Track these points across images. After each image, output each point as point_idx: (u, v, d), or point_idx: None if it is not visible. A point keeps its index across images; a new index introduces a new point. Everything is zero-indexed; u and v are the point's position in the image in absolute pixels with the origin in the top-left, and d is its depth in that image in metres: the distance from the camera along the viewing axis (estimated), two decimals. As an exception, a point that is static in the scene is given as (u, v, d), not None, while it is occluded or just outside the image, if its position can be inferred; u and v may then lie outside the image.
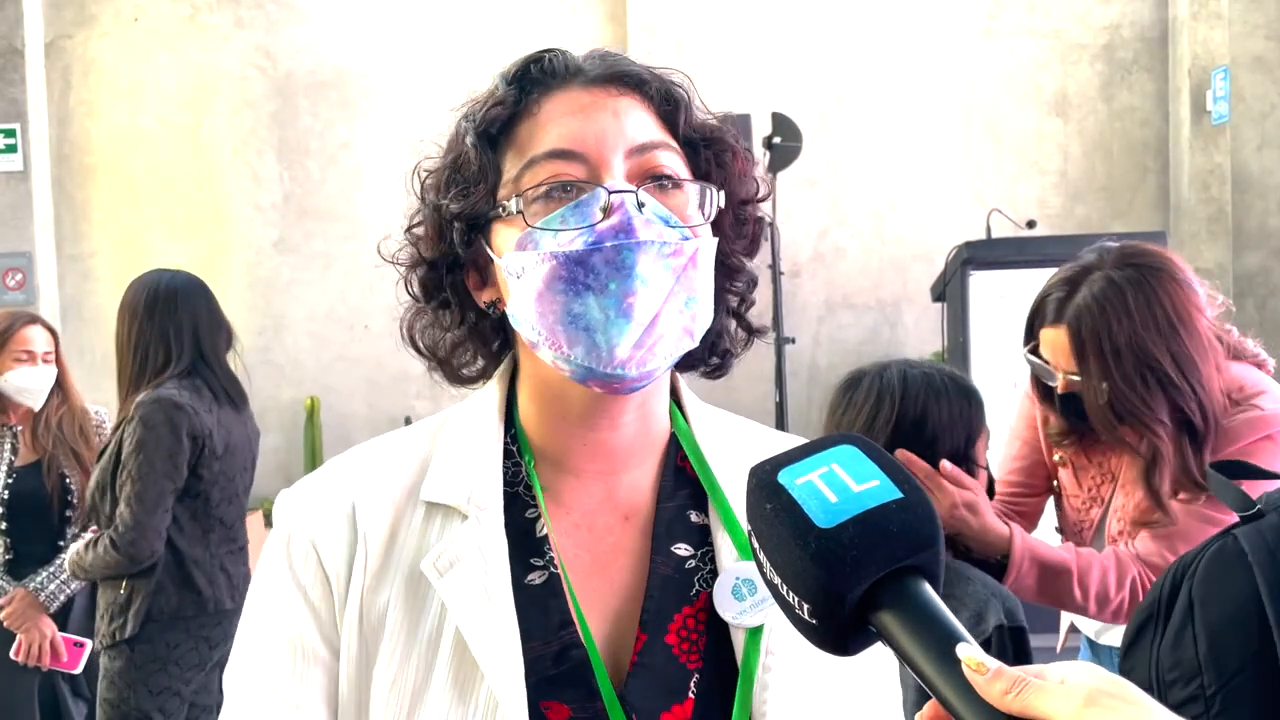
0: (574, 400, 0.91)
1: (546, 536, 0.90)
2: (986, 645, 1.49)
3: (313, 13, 6.71)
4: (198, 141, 6.71)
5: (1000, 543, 1.78)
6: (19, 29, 6.39)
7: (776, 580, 0.64)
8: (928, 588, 0.61)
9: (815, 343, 6.72)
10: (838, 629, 0.62)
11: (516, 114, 0.90)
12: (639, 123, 0.89)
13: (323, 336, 6.75)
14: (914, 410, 1.72)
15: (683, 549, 0.92)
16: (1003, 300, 4.84)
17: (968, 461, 1.77)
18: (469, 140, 0.90)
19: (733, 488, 0.93)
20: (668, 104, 0.92)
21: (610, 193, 0.85)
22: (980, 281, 4.88)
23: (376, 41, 6.69)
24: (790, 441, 1.00)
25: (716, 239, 0.92)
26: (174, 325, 2.89)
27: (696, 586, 0.91)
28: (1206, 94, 6.50)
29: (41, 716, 3.28)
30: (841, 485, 0.63)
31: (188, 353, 2.89)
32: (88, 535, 2.91)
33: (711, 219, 0.91)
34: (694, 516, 0.94)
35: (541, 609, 0.87)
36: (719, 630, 0.89)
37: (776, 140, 5.68)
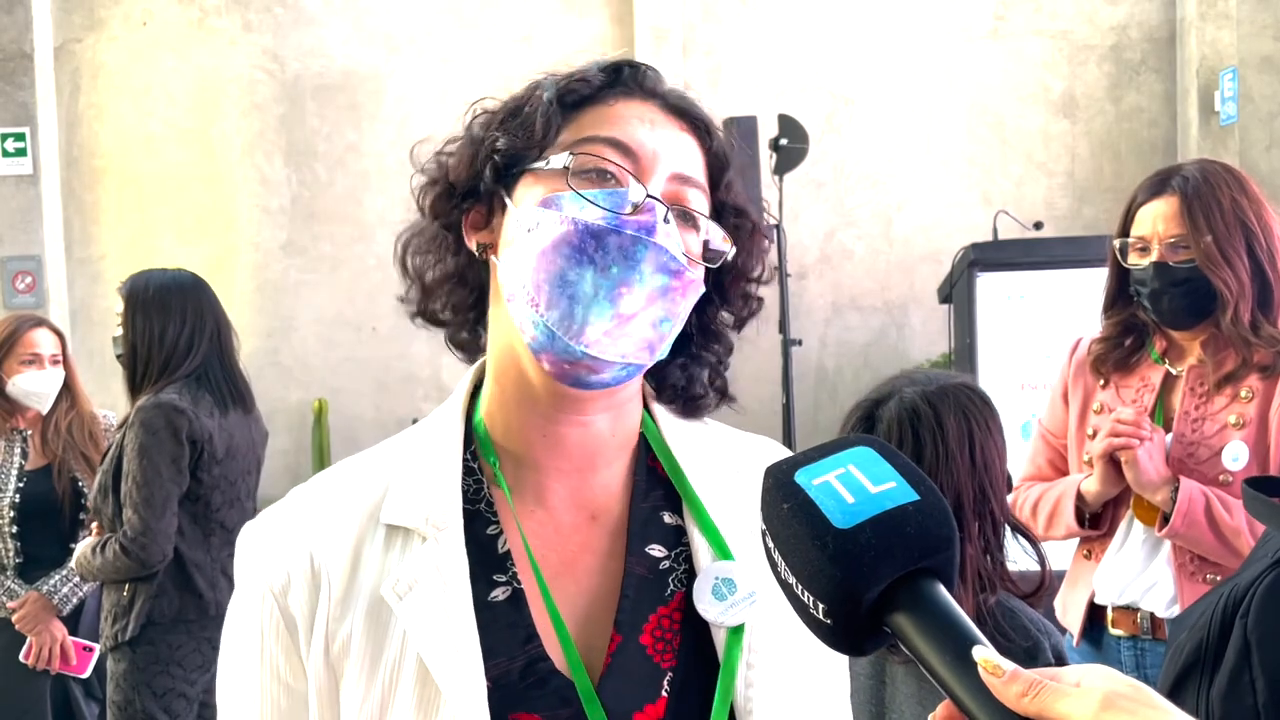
0: (536, 386, 0.91)
1: (509, 552, 0.91)
2: None
3: (320, 16, 6.73)
4: (206, 144, 6.73)
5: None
6: (28, 33, 6.41)
7: (791, 580, 0.64)
8: (942, 590, 0.61)
9: (822, 345, 6.72)
10: (852, 629, 0.62)
11: (593, 97, 0.94)
12: (690, 157, 0.94)
13: (330, 339, 6.76)
14: (957, 436, 1.62)
15: (656, 550, 0.93)
16: (1010, 302, 4.83)
17: (1003, 478, 1.70)
18: (546, 95, 0.94)
19: (705, 488, 0.95)
20: (718, 160, 0.97)
21: (648, 195, 0.89)
22: (987, 283, 4.87)
23: (383, 45, 6.71)
24: (761, 444, 1.03)
25: (713, 296, 0.96)
26: (203, 325, 2.90)
27: (671, 586, 0.92)
28: (1215, 94, 6.48)
29: (54, 718, 3.29)
30: (859, 486, 0.64)
31: (202, 354, 2.89)
32: (91, 538, 2.90)
33: (714, 264, 0.94)
34: (667, 518, 0.95)
35: (506, 625, 0.88)
36: (694, 629, 0.90)
37: (783, 142, 5.68)
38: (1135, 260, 2.17)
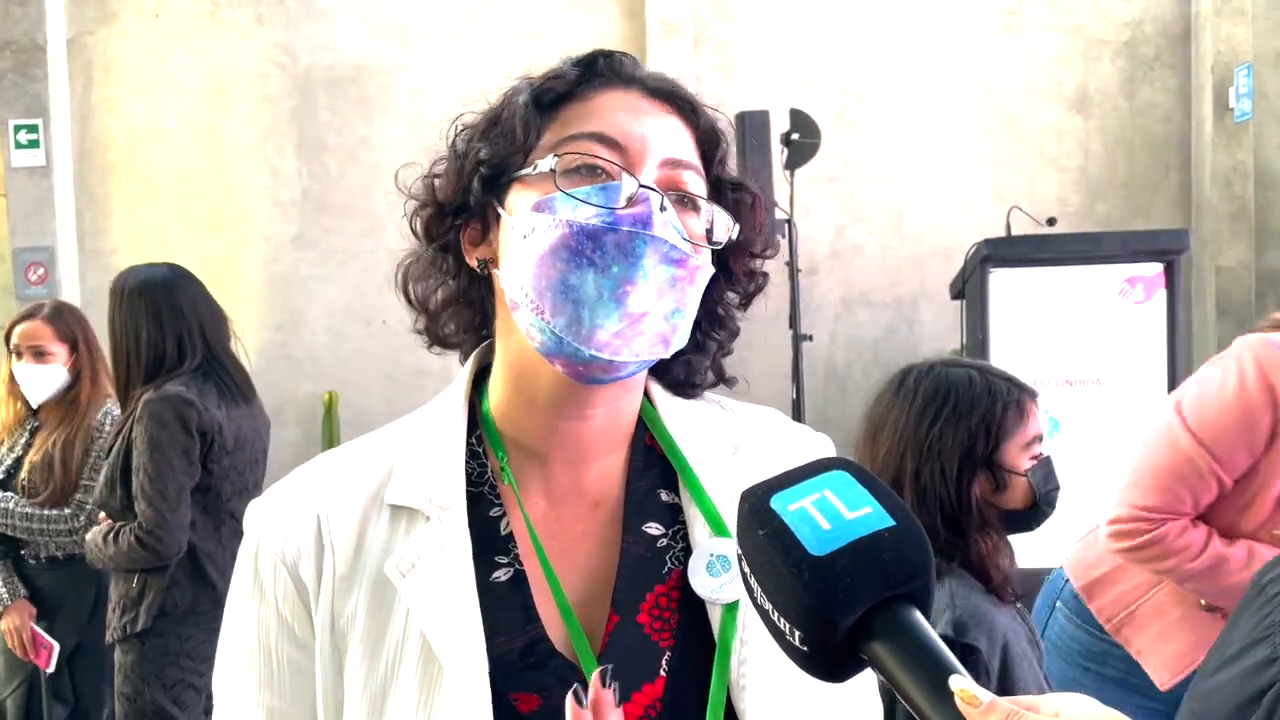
0: (544, 384, 0.91)
1: (511, 534, 0.91)
2: None
3: (332, 9, 6.73)
4: (217, 137, 6.75)
5: None
6: (41, 25, 6.43)
7: (767, 606, 0.63)
8: (919, 616, 0.60)
9: (832, 340, 6.70)
10: (828, 656, 0.62)
11: (571, 94, 0.93)
12: (680, 140, 0.92)
13: (340, 331, 6.77)
14: (971, 394, 1.74)
15: (654, 528, 0.93)
16: (1022, 298, 4.81)
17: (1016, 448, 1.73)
18: (522, 99, 0.92)
19: (701, 464, 0.95)
20: (709, 138, 0.95)
21: (641, 185, 0.87)
22: (1000, 279, 4.85)
23: (394, 38, 6.71)
24: (763, 415, 1.03)
25: (718, 276, 0.94)
26: (184, 322, 2.90)
27: (669, 564, 0.92)
28: (1229, 90, 6.43)
29: (20, 717, 3.30)
30: (834, 512, 0.63)
31: (199, 349, 2.90)
32: (101, 525, 2.92)
33: (720, 245, 0.93)
34: (664, 495, 0.95)
35: (507, 605, 0.88)
36: (691, 607, 0.90)
37: (794, 137, 5.65)
38: None
